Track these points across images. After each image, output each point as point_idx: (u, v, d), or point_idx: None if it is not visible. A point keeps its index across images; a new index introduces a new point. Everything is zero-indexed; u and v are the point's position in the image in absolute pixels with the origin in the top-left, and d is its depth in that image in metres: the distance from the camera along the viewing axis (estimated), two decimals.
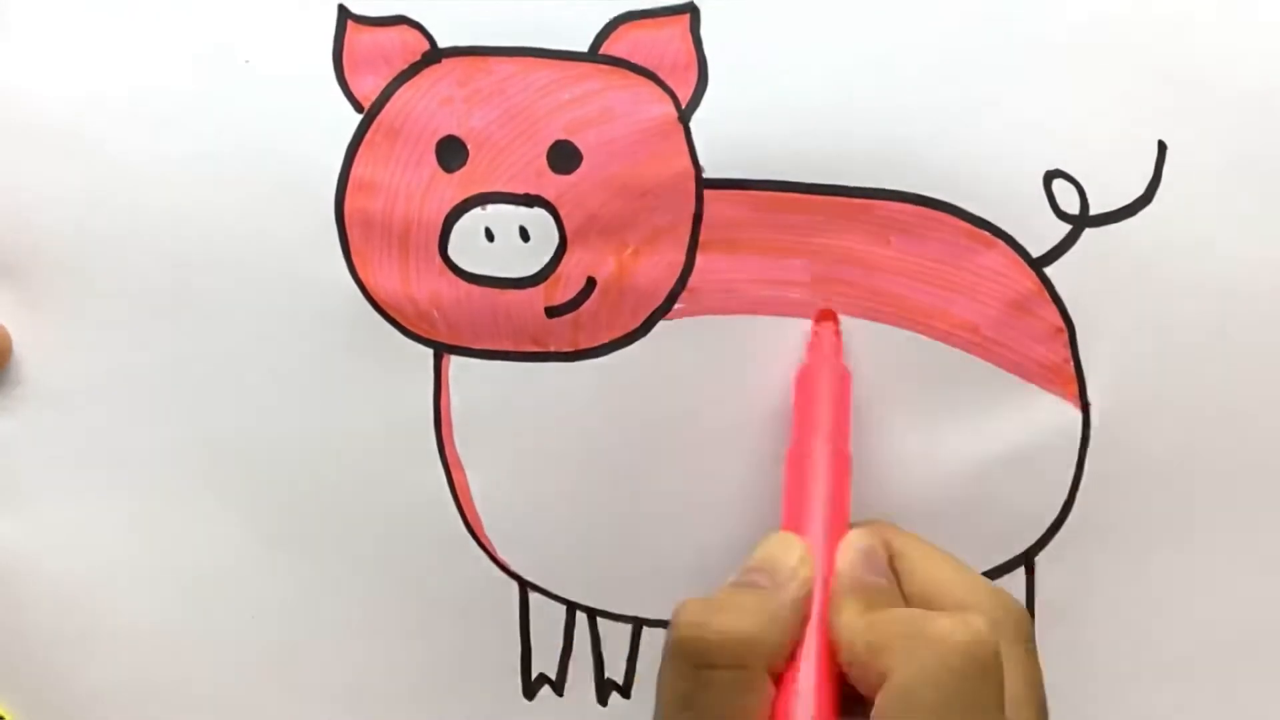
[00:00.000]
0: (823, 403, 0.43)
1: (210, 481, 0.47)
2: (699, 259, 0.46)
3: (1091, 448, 0.47)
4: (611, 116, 0.45)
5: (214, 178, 0.46)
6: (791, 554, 0.40)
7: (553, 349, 0.46)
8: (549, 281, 0.45)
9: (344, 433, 0.46)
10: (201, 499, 0.47)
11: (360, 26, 0.46)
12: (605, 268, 0.45)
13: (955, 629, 0.37)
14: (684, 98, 0.46)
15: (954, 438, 0.46)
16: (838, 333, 0.45)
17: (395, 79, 0.46)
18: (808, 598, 0.39)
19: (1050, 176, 0.46)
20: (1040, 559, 0.47)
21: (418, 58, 0.46)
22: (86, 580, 0.47)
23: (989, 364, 0.46)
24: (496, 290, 0.45)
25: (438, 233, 0.45)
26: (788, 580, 0.39)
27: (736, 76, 0.46)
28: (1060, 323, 0.46)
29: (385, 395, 0.46)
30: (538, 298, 0.46)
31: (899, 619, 0.38)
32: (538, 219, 0.45)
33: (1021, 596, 0.47)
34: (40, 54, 0.46)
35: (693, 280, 0.45)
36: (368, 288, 0.46)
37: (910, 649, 0.37)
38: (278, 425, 0.46)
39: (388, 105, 0.45)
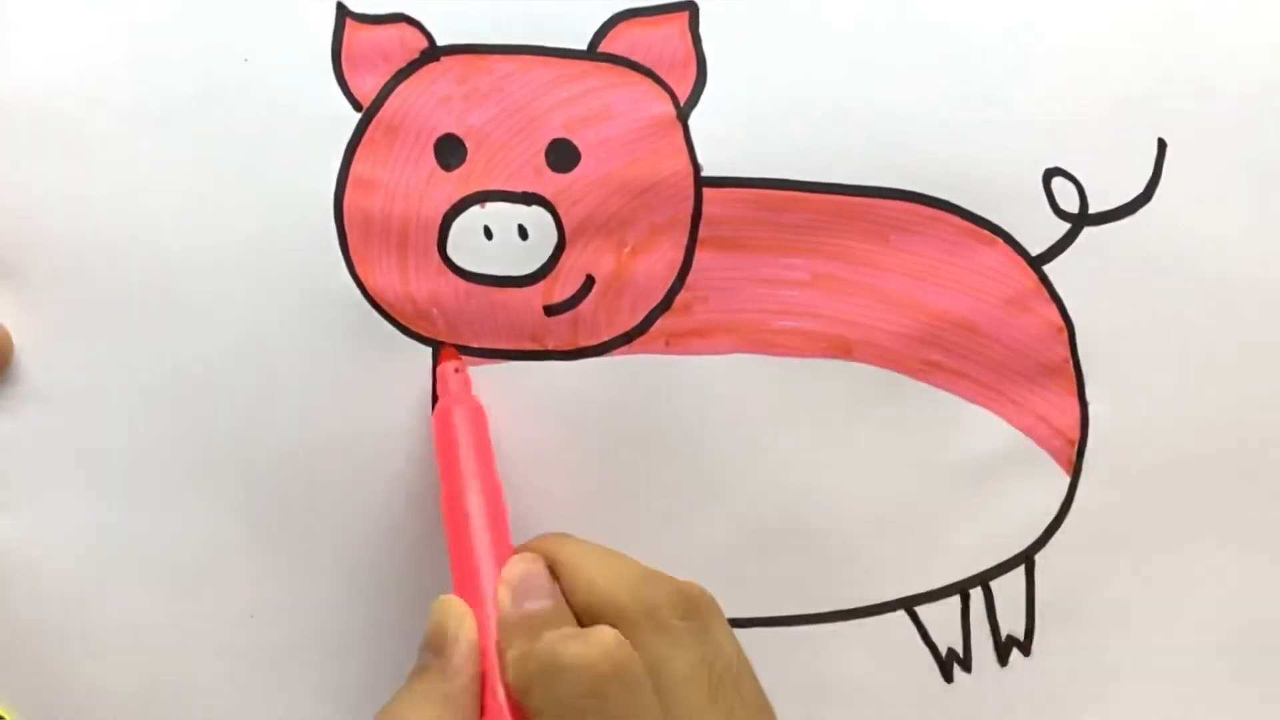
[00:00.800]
0: (462, 443, 0.43)
1: (210, 481, 0.47)
2: (697, 257, 0.46)
3: (1090, 446, 0.46)
4: (610, 115, 0.45)
5: (213, 177, 0.46)
6: (451, 619, 0.40)
7: (551, 347, 0.46)
8: (548, 280, 0.45)
9: (343, 431, 0.46)
10: (200, 498, 0.47)
11: (359, 25, 0.46)
12: (604, 266, 0.45)
13: (583, 651, 0.37)
14: (682, 96, 0.46)
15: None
16: (460, 369, 0.45)
17: (394, 77, 0.46)
18: (478, 658, 0.39)
19: (1049, 175, 0.46)
20: (1040, 558, 0.47)
21: (416, 56, 0.46)
22: (86, 580, 0.47)
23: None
24: (495, 288, 0.45)
25: (436, 231, 0.45)
26: (453, 650, 0.39)
27: (735, 74, 0.46)
28: (1060, 321, 0.46)
29: (384, 393, 0.46)
30: (536, 296, 0.46)
31: (535, 655, 0.38)
32: (536, 217, 0.45)
33: (1022, 596, 0.47)
34: (40, 54, 0.46)
35: (691, 278, 0.45)
36: (367, 286, 0.46)
37: (548, 684, 0.37)
38: (277, 424, 0.46)
39: (386, 103, 0.46)
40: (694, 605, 0.40)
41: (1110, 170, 0.46)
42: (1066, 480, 0.47)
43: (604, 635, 0.38)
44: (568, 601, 0.40)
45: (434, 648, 0.40)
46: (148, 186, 0.46)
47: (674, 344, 0.46)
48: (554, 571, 0.41)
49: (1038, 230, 0.46)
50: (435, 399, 0.45)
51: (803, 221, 0.46)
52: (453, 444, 0.43)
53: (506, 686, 0.39)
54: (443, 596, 0.41)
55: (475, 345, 0.46)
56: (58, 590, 0.47)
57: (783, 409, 0.46)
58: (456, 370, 0.45)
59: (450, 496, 0.43)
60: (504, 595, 0.40)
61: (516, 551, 0.42)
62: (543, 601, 0.40)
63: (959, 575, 0.47)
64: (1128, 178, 0.46)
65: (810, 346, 0.46)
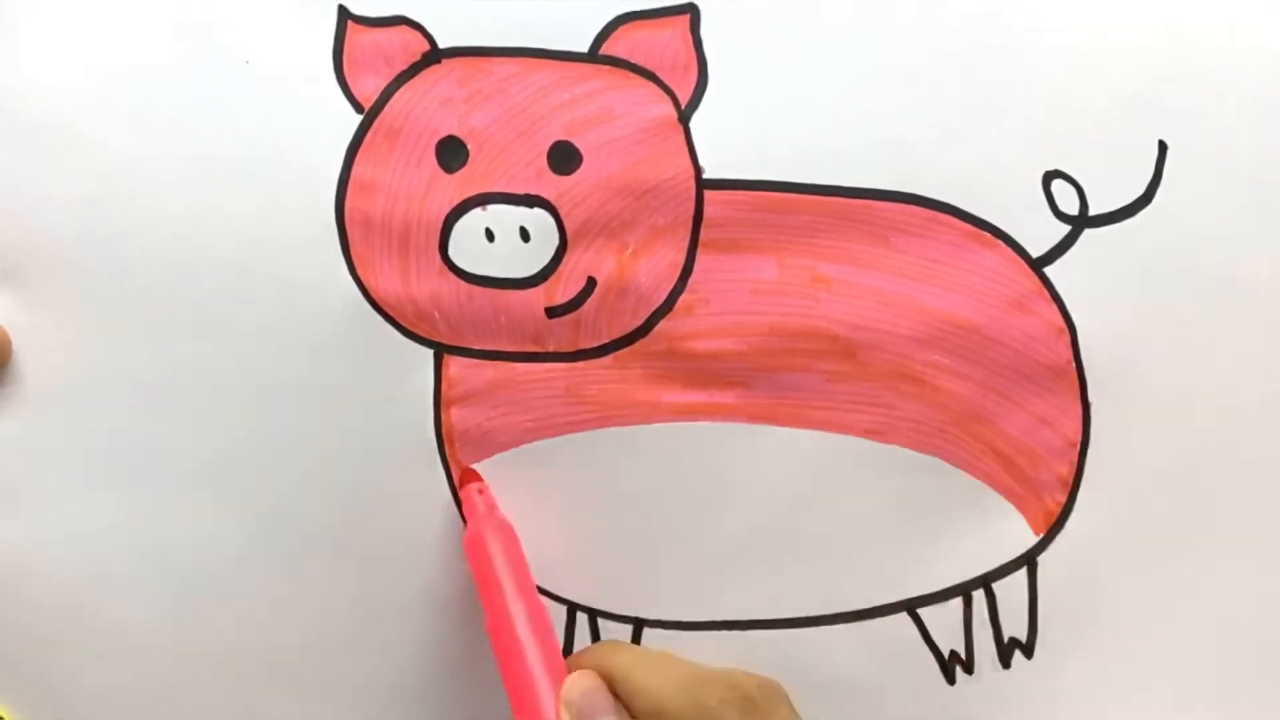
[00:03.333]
0: (498, 564, 0.44)
1: (210, 482, 0.47)
2: (699, 259, 0.46)
3: (1092, 447, 0.47)
4: (611, 117, 0.45)
5: (214, 178, 0.46)
6: None
7: (553, 349, 0.46)
8: (549, 282, 0.45)
9: (344, 433, 0.46)
10: (201, 499, 0.47)
11: (360, 27, 0.46)
12: (605, 268, 0.45)
13: None
14: (684, 98, 0.46)
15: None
16: (483, 490, 0.46)
17: (395, 79, 0.46)
18: None
19: (1049, 177, 0.46)
20: (1042, 560, 0.47)
21: (418, 58, 0.46)
22: (86, 580, 0.47)
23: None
24: (497, 290, 0.45)
25: (438, 233, 0.45)
26: None
27: (736, 77, 0.46)
28: (1061, 323, 0.46)
29: (386, 395, 0.46)
30: (538, 298, 0.46)
31: None
32: (538, 219, 0.45)
33: (1024, 596, 0.47)
34: (41, 55, 0.46)
35: (692, 280, 0.46)
36: (368, 288, 0.46)
37: None
38: (278, 425, 0.46)
39: (388, 105, 0.46)
40: (751, 702, 0.40)
41: (1110, 172, 0.46)
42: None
43: None
44: (628, 711, 0.41)
45: None
46: (149, 188, 0.46)
47: (676, 346, 0.46)
48: (609, 683, 0.41)
49: (1038, 232, 0.46)
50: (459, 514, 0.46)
51: (804, 223, 0.46)
52: (490, 567, 0.44)
53: None
54: None
55: (476, 347, 0.46)
56: (58, 592, 0.47)
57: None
58: (480, 491, 0.46)
59: (496, 621, 0.43)
60: (565, 717, 0.40)
61: (569, 668, 0.42)
62: (606, 718, 0.40)
63: (961, 577, 0.47)
64: (1128, 180, 0.46)
65: (813, 348, 0.46)
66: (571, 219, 0.45)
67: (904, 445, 0.46)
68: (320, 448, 0.46)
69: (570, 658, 0.43)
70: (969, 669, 0.48)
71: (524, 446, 0.46)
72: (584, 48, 0.46)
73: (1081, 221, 0.46)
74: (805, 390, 0.46)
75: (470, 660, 0.48)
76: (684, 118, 0.46)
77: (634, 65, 0.46)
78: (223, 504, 0.47)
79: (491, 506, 0.45)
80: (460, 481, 0.46)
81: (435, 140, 0.45)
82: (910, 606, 0.47)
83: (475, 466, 0.46)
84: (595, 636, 0.48)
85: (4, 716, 0.48)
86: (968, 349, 0.46)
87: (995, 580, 0.47)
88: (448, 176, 0.45)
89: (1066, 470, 0.47)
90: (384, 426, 0.46)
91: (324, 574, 0.47)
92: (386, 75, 0.46)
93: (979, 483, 0.47)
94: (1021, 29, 0.46)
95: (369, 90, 0.46)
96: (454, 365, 0.46)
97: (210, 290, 0.46)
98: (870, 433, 0.46)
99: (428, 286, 0.46)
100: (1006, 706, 0.48)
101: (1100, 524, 0.47)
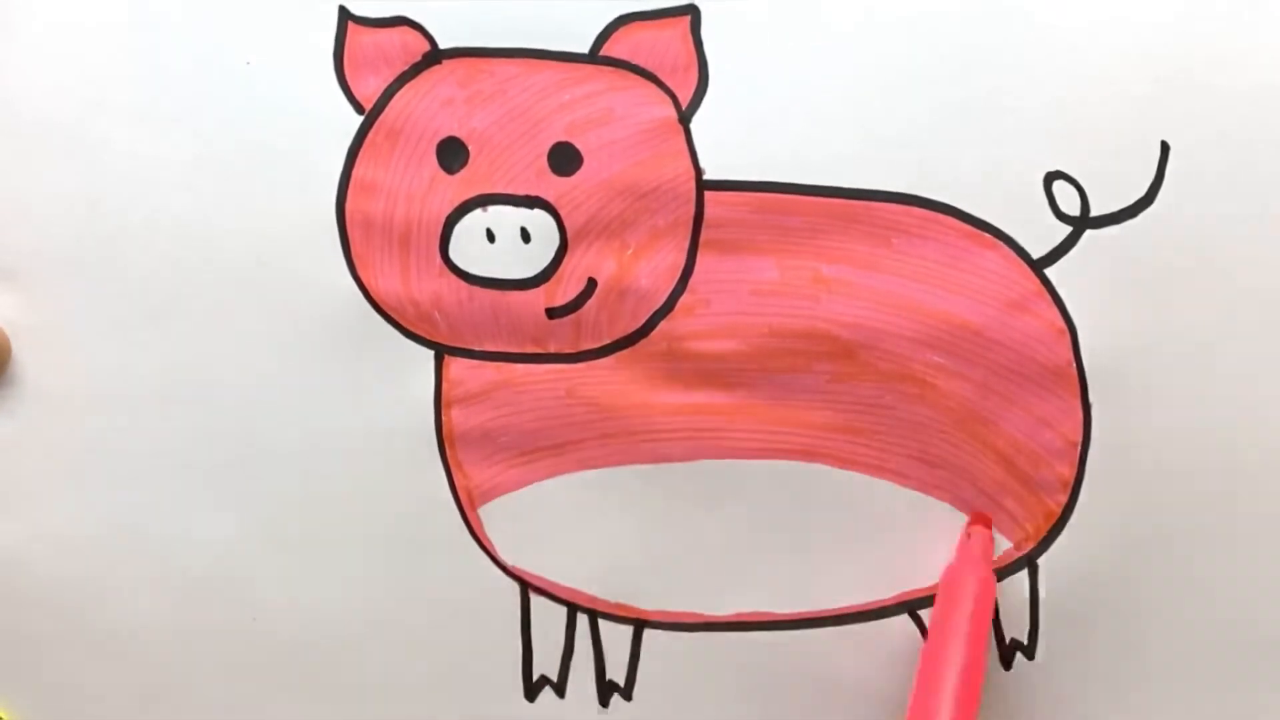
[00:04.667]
0: (963, 607, 0.44)
1: (210, 482, 0.47)
2: (699, 260, 0.46)
3: (1093, 448, 0.47)
4: (612, 118, 0.45)
5: (215, 179, 0.46)
6: None
7: (554, 350, 0.46)
8: (550, 283, 0.45)
9: (345, 434, 0.46)
10: (201, 500, 0.47)
11: (361, 28, 0.46)
12: (606, 269, 0.45)
13: None
14: (684, 99, 0.46)
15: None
16: (989, 539, 0.46)
17: (396, 80, 0.46)
18: None
19: (1050, 178, 0.46)
20: (1043, 560, 0.47)
21: (419, 59, 0.46)
22: (86, 580, 0.47)
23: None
24: (497, 291, 0.45)
25: (438, 234, 0.45)
26: None
27: (737, 78, 0.46)
28: (1061, 324, 0.46)
29: (386, 396, 0.46)
30: (539, 299, 0.46)
31: None
32: (539, 220, 0.45)
33: (1024, 597, 0.47)
34: (41, 54, 0.46)
35: (693, 281, 0.46)
36: (368, 289, 0.46)
37: None
38: (278, 426, 0.46)
39: (389, 106, 0.46)
40: None
41: (1112, 173, 0.46)
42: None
43: None
44: None
45: None
46: (149, 188, 0.46)
47: (676, 347, 0.46)
48: None
49: (1039, 233, 0.46)
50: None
51: (804, 224, 0.46)
52: (954, 603, 0.44)
53: None
54: None
55: (477, 348, 0.46)
56: (58, 592, 0.47)
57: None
58: (987, 538, 0.46)
59: (933, 654, 0.43)
60: None
61: None
62: None
63: None
64: (1130, 181, 0.46)
65: (812, 349, 0.46)
66: (572, 220, 0.45)
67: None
68: (320, 448, 0.46)
69: None
70: None
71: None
72: (585, 49, 0.46)
73: (1083, 222, 0.46)
74: (806, 391, 0.46)
75: (470, 660, 0.48)
76: (684, 119, 0.46)
77: (635, 66, 0.46)
78: (221, 504, 0.47)
79: (987, 556, 0.46)
80: (972, 520, 0.46)
81: (436, 141, 0.45)
82: (912, 608, 0.47)
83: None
84: (596, 637, 0.48)
85: (3, 716, 0.48)
86: (968, 350, 0.46)
87: (996, 581, 0.47)
88: (448, 177, 0.45)
89: (1067, 471, 0.47)
90: (384, 427, 0.46)
91: (324, 574, 0.47)
92: (387, 76, 0.46)
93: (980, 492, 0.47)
94: (1023, 29, 0.46)
95: (370, 91, 0.46)
96: (454, 366, 0.46)
97: (210, 290, 0.46)
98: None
99: (428, 287, 0.46)
100: (1008, 707, 0.48)
101: (1101, 525, 0.47)
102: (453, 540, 0.47)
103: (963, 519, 0.47)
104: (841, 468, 0.47)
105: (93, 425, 0.47)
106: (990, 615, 0.45)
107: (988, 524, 0.46)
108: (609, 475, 0.47)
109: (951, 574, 0.45)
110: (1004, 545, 0.47)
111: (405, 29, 0.46)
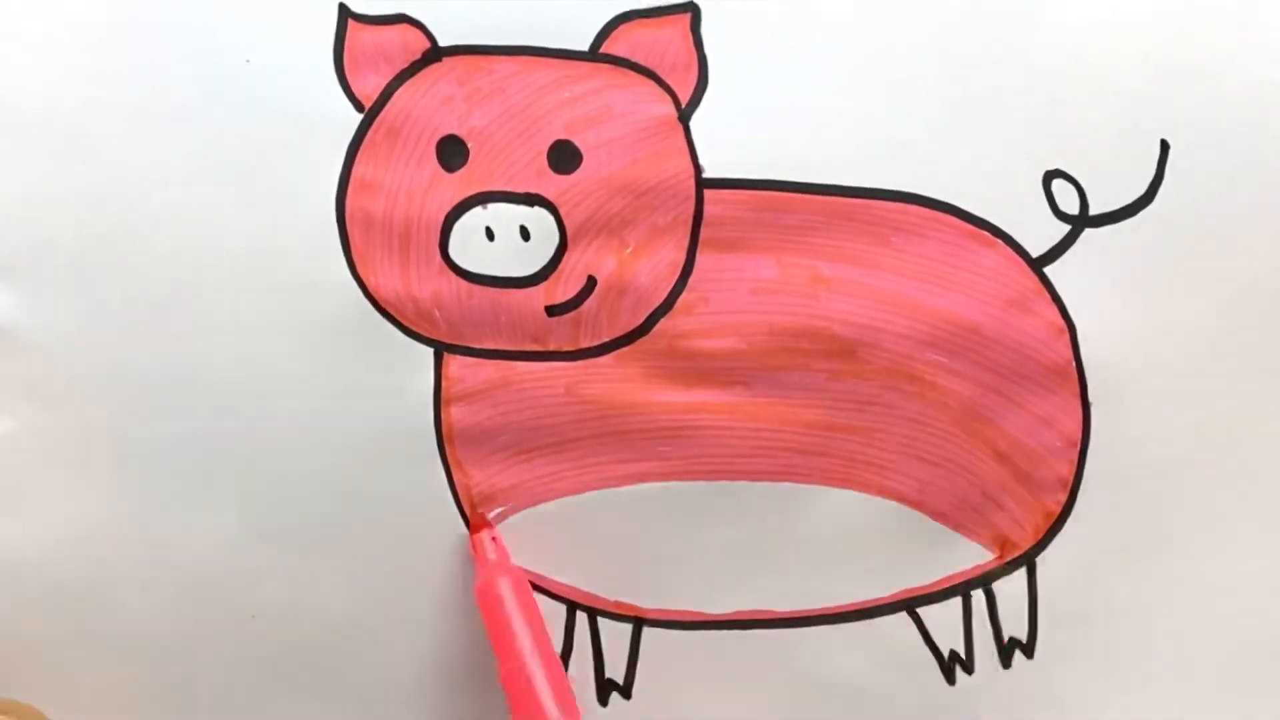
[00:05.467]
0: (513, 615, 0.44)
1: (210, 481, 0.47)
2: (699, 258, 0.46)
3: (1092, 448, 0.47)
4: (611, 116, 0.45)
5: (214, 177, 0.46)
6: None
7: (553, 348, 0.46)
8: (549, 280, 0.46)
9: (344, 432, 0.46)
10: (201, 499, 0.47)
11: (361, 25, 0.46)
12: (606, 267, 0.45)
13: None
14: (684, 97, 0.46)
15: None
16: (496, 538, 0.46)
17: (396, 78, 0.46)
18: None
19: (1050, 176, 0.46)
20: (1042, 559, 0.47)
21: (418, 57, 0.46)
22: (87, 580, 0.47)
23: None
24: (497, 289, 0.45)
25: (438, 232, 0.45)
26: None
27: (736, 76, 0.46)
28: (1060, 323, 0.46)
29: (386, 394, 0.46)
30: (538, 297, 0.46)
31: None
32: (538, 218, 0.45)
33: (1024, 596, 0.47)
34: (41, 54, 0.46)
35: (693, 279, 0.46)
36: (368, 287, 0.46)
37: None
38: (278, 425, 0.46)
39: (388, 104, 0.46)
40: None
41: (1111, 172, 0.46)
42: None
43: None
44: None
45: None
46: (149, 187, 0.46)
47: (676, 345, 0.46)
48: None
49: (1038, 232, 0.46)
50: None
51: (804, 223, 0.46)
52: (503, 618, 0.44)
53: None
54: None
55: (476, 346, 0.46)
56: (58, 591, 0.47)
57: None
58: (493, 539, 0.46)
59: (511, 673, 0.44)
60: None
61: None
62: None
63: (961, 577, 0.47)
64: (1129, 179, 0.46)
65: (812, 348, 0.46)
66: (572, 218, 0.45)
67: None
68: (320, 446, 0.46)
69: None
70: (969, 669, 0.48)
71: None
72: (584, 46, 0.46)
73: (1082, 221, 0.46)
74: (805, 389, 0.46)
75: (470, 660, 0.48)
76: (684, 117, 0.46)
77: (634, 64, 0.46)
78: (221, 503, 0.47)
79: (504, 554, 0.46)
80: (473, 528, 0.46)
81: (436, 139, 0.45)
82: (910, 606, 0.47)
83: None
84: (595, 636, 0.48)
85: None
86: (967, 348, 0.46)
87: (995, 580, 0.47)
88: (448, 175, 0.45)
89: (1066, 470, 0.47)
90: (384, 425, 0.46)
91: (324, 573, 0.47)
92: (387, 74, 0.46)
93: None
94: (1022, 28, 0.46)
95: (369, 89, 0.46)
96: (454, 364, 0.46)
97: (211, 289, 0.46)
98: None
99: (428, 285, 0.46)
100: (1007, 707, 0.48)
101: (1100, 524, 0.47)
102: (451, 538, 0.47)
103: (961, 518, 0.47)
104: (841, 468, 0.47)
105: (93, 424, 0.47)
106: (537, 610, 0.45)
107: (488, 524, 0.46)
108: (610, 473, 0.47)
109: (485, 587, 0.45)
110: (988, 556, 0.47)
111: (405, 26, 0.46)
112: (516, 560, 0.47)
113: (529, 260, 0.45)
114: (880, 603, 0.47)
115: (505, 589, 0.45)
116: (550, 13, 0.45)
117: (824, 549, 0.47)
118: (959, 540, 0.47)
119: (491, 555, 0.46)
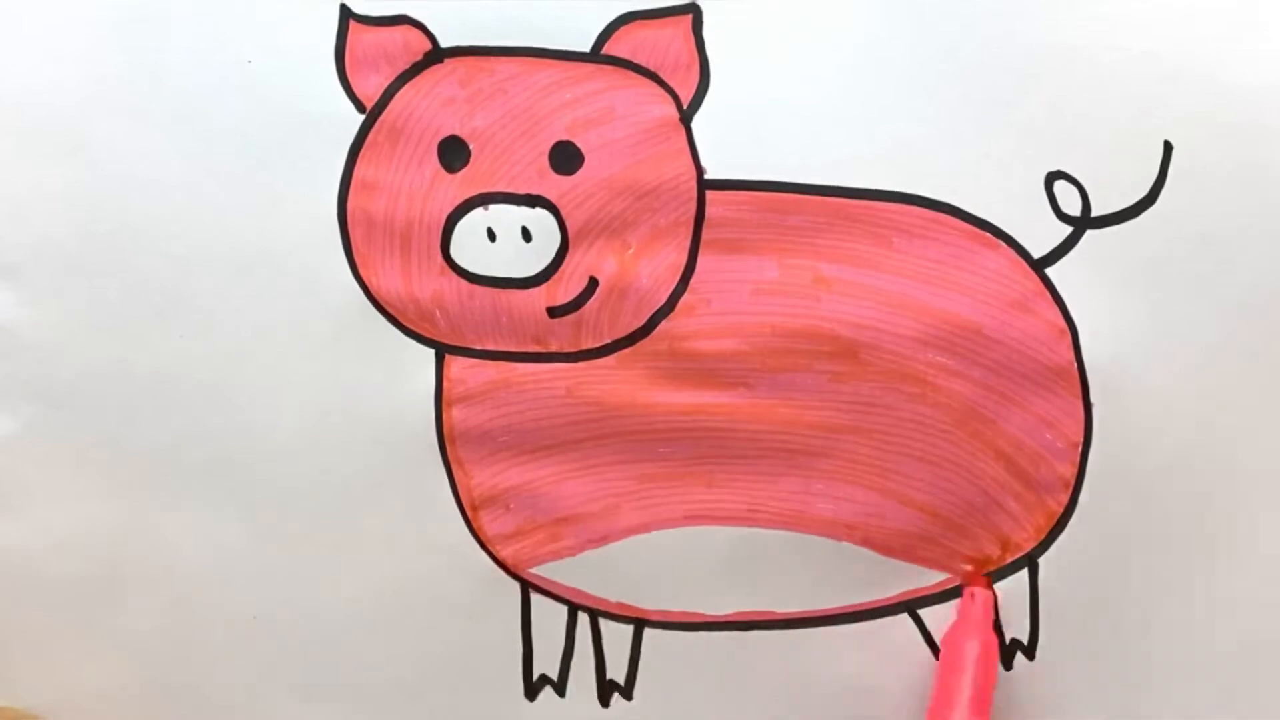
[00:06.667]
0: (965, 674, 0.44)
1: (210, 481, 0.47)
2: (700, 259, 0.46)
3: (1094, 448, 0.47)
4: (613, 117, 0.45)
5: (215, 178, 0.46)
6: None
7: (554, 349, 0.46)
8: (551, 281, 0.45)
9: (345, 432, 0.46)
10: (201, 499, 0.47)
11: (362, 26, 0.46)
12: (607, 268, 0.45)
13: None
14: (685, 98, 0.46)
15: None
16: (990, 600, 0.46)
17: (397, 79, 0.46)
18: None
19: (1051, 178, 0.46)
20: (1044, 560, 0.47)
21: (420, 58, 0.46)
22: (86, 579, 0.47)
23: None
24: (498, 290, 0.45)
25: (439, 233, 0.45)
26: None
27: (738, 77, 0.46)
28: (1062, 324, 0.46)
29: (387, 395, 0.46)
30: (539, 298, 0.46)
31: None
32: (539, 219, 0.45)
33: (1025, 597, 0.47)
34: (42, 54, 0.46)
35: (694, 280, 0.46)
36: (370, 288, 0.46)
37: None
38: (279, 425, 0.46)
39: (390, 105, 0.45)
40: None
41: (1113, 173, 0.46)
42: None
43: None
44: None
45: None
46: (150, 187, 0.46)
47: (677, 346, 0.46)
48: None
49: (1040, 233, 0.46)
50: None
51: (805, 224, 0.46)
52: (956, 670, 0.45)
53: None
54: None
55: (478, 347, 0.46)
56: (58, 591, 0.47)
57: None
58: (987, 601, 0.46)
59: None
60: None
61: None
62: None
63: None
64: (1131, 180, 0.46)
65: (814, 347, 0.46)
66: (573, 219, 0.45)
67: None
68: (321, 447, 0.46)
69: None
70: None
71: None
72: (586, 47, 0.46)
73: (1084, 222, 0.46)
74: (807, 391, 0.46)
75: (470, 660, 0.48)
76: (686, 118, 0.46)
77: (636, 65, 0.46)
78: (221, 503, 0.47)
79: (987, 619, 0.46)
80: (968, 581, 0.47)
81: (437, 140, 0.45)
82: (911, 607, 0.47)
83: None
84: (596, 636, 0.48)
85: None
86: (969, 349, 0.46)
87: (996, 581, 0.47)
88: (449, 176, 0.45)
89: (1068, 471, 0.47)
90: (385, 426, 0.46)
91: (324, 573, 0.47)
92: (388, 75, 0.46)
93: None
94: (1024, 28, 0.46)
95: (371, 90, 0.46)
96: (455, 365, 0.46)
97: (211, 290, 0.46)
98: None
99: (429, 286, 0.46)
100: (1008, 707, 0.48)
101: (1102, 525, 0.47)
102: (452, 538, 0.47)
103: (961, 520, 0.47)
104: (843, 469, 0.47)
105: (93, 424, 0.47)
106: (992, 680, 0.45)
107: (988, 585, 0.46)
108: (609, 473, 0.47)
109: (952, 638, 0.45)
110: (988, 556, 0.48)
111: (406, 27, 0.46)
112: (514, 565, 0.47)
113: (530, 261, 0.45)
114: (881, 604, 0.47)
115: (971, 651, 0.45)
116: (552, 14, 0.45)
117: (824, 549, 0.47)
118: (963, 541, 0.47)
119: (977, 615, 0.46)
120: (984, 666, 0.45)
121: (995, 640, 0.46)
